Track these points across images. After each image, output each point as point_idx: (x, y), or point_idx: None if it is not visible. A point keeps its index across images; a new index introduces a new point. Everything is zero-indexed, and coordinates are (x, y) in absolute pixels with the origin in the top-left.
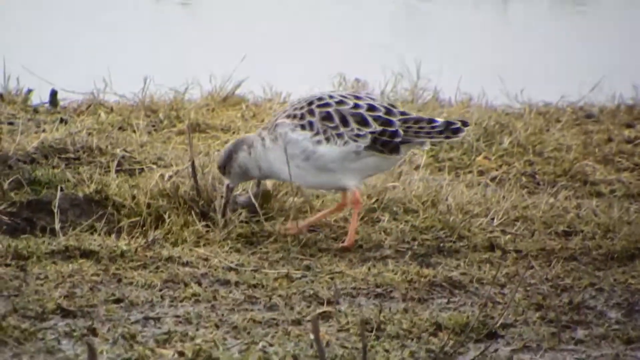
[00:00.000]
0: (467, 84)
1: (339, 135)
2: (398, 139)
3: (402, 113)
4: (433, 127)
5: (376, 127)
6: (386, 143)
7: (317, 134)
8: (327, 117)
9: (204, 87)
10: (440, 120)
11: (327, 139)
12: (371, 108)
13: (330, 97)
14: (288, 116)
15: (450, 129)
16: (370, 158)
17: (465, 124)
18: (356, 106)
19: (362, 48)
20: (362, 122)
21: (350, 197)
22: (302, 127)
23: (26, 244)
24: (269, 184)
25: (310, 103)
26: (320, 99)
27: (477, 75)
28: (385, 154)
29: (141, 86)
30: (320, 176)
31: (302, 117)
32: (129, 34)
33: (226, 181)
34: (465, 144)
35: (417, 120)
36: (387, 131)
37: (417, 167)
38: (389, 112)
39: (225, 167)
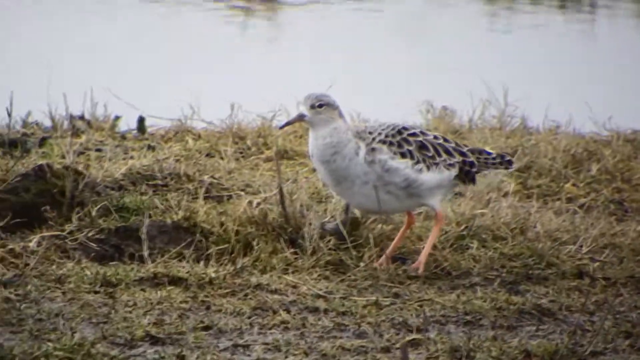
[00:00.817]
0: (554, 111)
1: (436, 164)
2: (474, 169)
3: (458, 145)
4: (493, 159)
5: (458, 157)
6: (467, 173)
7: (418, 162)
8: (423, 147)
9: (291, 113)
10: (492, 152)
11: (428, 167)
12: (445, 140)
13: (407, 127)
14: (383, 142)
15: (505, 161)
16: (451, 186)
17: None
18: (435, 137)
19: (448, 75)
20: (447, 152)
21: (438, 216)
22: (402, 155)
23: (115, 271)
24: (357, 211)
25: (400, 132)
26: (405, 128)
27: (564, 103)
28: (465, 182)
29: (229, 113)
30: (406, 201)
31: (399, 145)
32: (217, 60)
33: (303, 111)
34: (554, 171)
35: (475, 152)
36: (467, 162)
37: (505, 194)
38: (457, 144)
39: (321, 106)
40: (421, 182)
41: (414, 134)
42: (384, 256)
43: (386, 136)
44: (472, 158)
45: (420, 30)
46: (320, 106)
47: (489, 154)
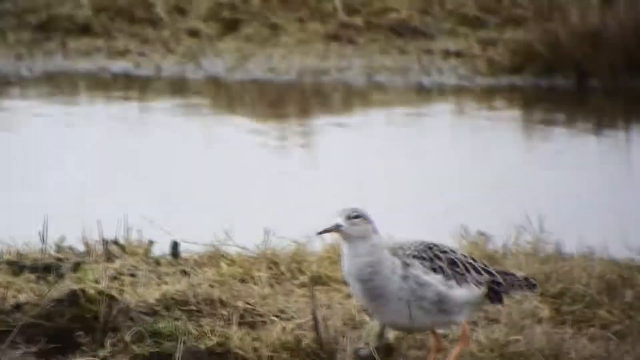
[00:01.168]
0: (589, 236)
1: (466, 281)
2: (502, 289)
3: (485, 265)
4: (519, 280)
5: (486, 276)
6: (495, 292)
7: (449, 278)
8: (454, 263)
9: (325, 239)
10: (517, 273)
11: (458, 283)
12: (473, 260)
13: (436, 244)
14: (415, 257)
15: (530, 284)
16: (479, 304)
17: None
18: (464, 256)
19: (484, 200)
20: (476, 270)
21: (464, 334)
22: (434, 270)
23: None
24: (391, 336)
25: (430, 247)
26: (435, 244)
27: (599, 228)
28: (493, 301)
29: (262, 238)
30: (437, 316)
31: (431, 260)
32: (250, 185)
33: (340, 222)
34: (588, 297)
35: (502, 273)
36: (495, 281)
37: (539, 321)
38: (484, 264)
39: (357, 217)
40: (452, 297)
41: (444, 251)
42: None
43: (417, 251)
44: (499, 278)
45: (454, 153)
46: (356, 217)
47: (515, 275)
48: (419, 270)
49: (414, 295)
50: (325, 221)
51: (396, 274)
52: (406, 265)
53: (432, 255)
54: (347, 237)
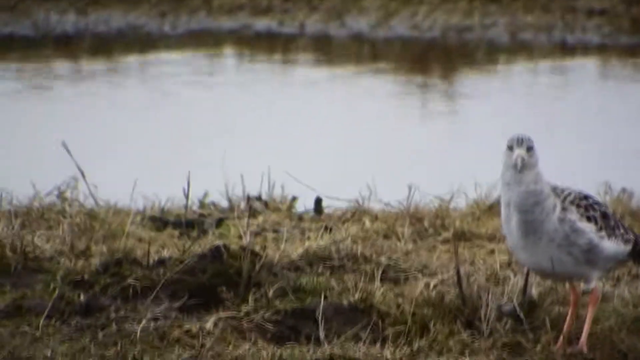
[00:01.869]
0: None
1: (615, 236)
2: None
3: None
4: None
5: (633, 235)
6: (638, 253)
7: (601, 229)
8: (606, 216)
9: (469, 195)
10: None
11: (609, 236)
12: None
13: (590, 196)
14: (572, 203)
15: None
16: (623, 261)
17: None
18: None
19: (627, 155)
20: (624, 228)
21: (594, 295)
22: (588, 219)
23: (291, 353)
24: (534, 292)
25: (586, 198)
26: (589, 196)
27: None
28: (635, 261)
29: (406, 194)
30: (581, 267)
31: (586, 209)
32: (394, 142)
33: (523, 154)
34: None
35: None
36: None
37: None
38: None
39: (531, 149)
40: (602, 248)
41: (598, 203)
42: (561, 338)
43: (574, 198)
44: None
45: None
46: (531, 149)
47: None
48: (575, 215)
49: (566, 240)
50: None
51: (555, 213)
52: (564, 208)
53: (588, 205)
54: (526, 167)
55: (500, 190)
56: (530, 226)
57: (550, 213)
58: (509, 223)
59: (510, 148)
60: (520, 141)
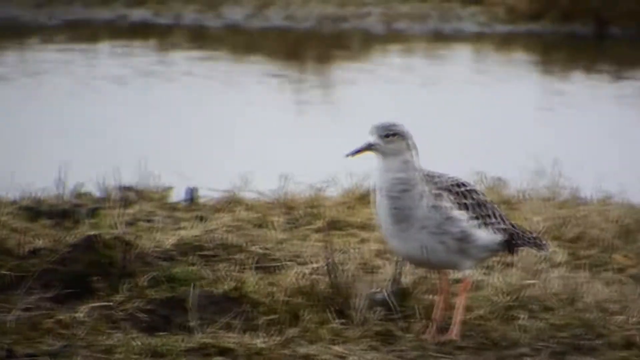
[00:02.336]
0: (606, 181)
1: (488, 224)
2: (518, 242)
3: (505, 216)
4: (533, 238)
5: (507, 224)
6: (510, 242)
7: (475, 218)
8: (481, 204)
9: (342, 184)
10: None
11: (482, 225)
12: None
13: (466, 183)
14: (447, 190)
15: (540, 244)
16: (496, 251)
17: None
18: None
19: (501, 146)
20: (499, 216)
21: (466, 283)
22: (462, 206)
23: (163, 342)
24: (406, 281)
25: (460, 185)
26: (464, 183)
27: (616, 173)
28: (506, 251)
29: (279, 184)
30: (453, 257)
31: (460, 195)
32: (268, 132)
33: (373, 140)
34: (604, 242)
35: (517, 226)
36: (513, 232)
37: (555, 265)
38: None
39: (391, 135)
40: (475, 238)
41: (474, 190)
42: (431, 326)
43: (449, 185)
44: (517, 230)
45: (473, 102)
46: (388, 136)
47: (528, 232)
48: (448, 203)
49: (439, 228)
50: (341, 166)
51: (425, 200)
52: (437, 195)
53: (462, 192)
54: (382, 153)
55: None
56: (401, 213)
57: (420, 200)
58: (380, 208)
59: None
60: (375, 128)
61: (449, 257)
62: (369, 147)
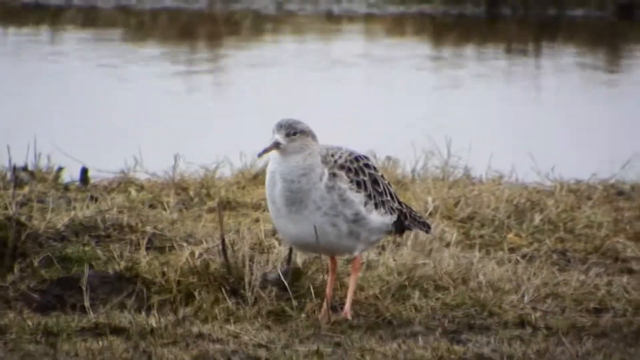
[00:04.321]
0: (498, 161)
1: (382, 204)
2: (408, 223)
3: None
4: (420, 218)
5: (399, 204)
6: (401, 223)
7: (370, 198)
8: (376, 182)
9: (234, 164)
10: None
11: (376, 206)
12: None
13: (362, 157)
14: (342, 167)
15: (427, 225)
16: (384, 234)
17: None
18: (382, 176)
19: (392, 126)
20: (392, 195)
21: (357, 262)
22: (358, 185)
23: (56, 321)
24: (299, 261)
25: (357, 159)
26: (361, 157)
27: (508, 153)
28: (396, 232)
29: (172, 164)
30: (344, 239)
31: (356, 172)
32: (160, 112)
33: (279, 139)
34: (497, 222)
35: (407, 206)
36: (404, 212)
37: (447, 244)
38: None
39: (296, 134)
40: (368, 220)
41: (368, 165)
42: (323, 306)
43: (345, 161)
44: (407, 210)
45: (365, 81)
46: (295, 134)
47: (417, 213)
48: (345, 184)
49: (333, 210)
50: (234, 147)
51: (323, 182)
52: (334, 175)
53: (358, 167)
54: (286, 152)
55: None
56: (295, 195)
57: (317, 182)
58: (273, 190)
59: (273, 132)
60: (279, 127)
61: (340, 240)
62: (277, 146)
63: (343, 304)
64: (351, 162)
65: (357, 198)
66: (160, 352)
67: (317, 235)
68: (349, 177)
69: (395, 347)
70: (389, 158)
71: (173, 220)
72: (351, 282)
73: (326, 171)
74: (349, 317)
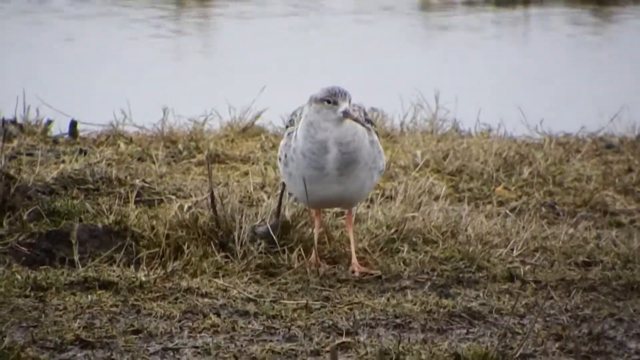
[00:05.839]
0: (486, 114)
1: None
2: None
3: None
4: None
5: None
6: None
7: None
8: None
9: (223, 118)
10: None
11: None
12: None
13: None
14: (369, 122)
15: None
16: None
17: None
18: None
19: (381, 78)
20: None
21: (351, 216)
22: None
23: (45, 275)
24: (288, 214)
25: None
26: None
27: (496, 106)
28: None
29: (160, 117)
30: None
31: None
32: (148, 65)
33: (349, 109)
34: (485, 175)
35: None
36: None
37: (436, 198)
38: None
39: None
40: (382, 169)
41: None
42: (313, 258)
43: (367, 115)
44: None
45: (353, 37)
46: (350, 100)
47: None
48: (376, 137)
49: (375, 162)
50: (222, 100)
51: (366, 138)
52: (369, 130)
53: (369, 120)
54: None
55: (301, 136)
56: (350, 156)
57: (364, 139)
58: (323, 157)
59: (333, 102)
60: (345, 95)
61: (369, 191)
62: (350, 116)
63: (332, 257)
64: (366, 114)
65: (382, 150)
66: (149, 306)
67: (362, 190)
68: (374, 130)
69: (384, 301)
70: (374, 109)
71: (162, 174)
72: (351, 236)
73: (364, 128)
74: (357, 270)
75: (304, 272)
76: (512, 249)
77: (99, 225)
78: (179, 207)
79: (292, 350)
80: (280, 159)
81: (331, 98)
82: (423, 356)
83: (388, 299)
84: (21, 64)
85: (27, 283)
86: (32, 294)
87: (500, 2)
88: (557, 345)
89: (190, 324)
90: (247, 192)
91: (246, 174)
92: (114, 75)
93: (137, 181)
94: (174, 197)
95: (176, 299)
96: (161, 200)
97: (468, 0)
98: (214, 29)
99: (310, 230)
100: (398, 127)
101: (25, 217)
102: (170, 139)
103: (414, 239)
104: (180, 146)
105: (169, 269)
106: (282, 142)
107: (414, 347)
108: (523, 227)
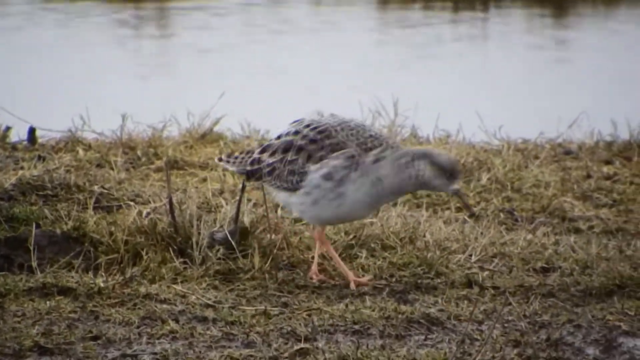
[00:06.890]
0: (445, 120)
1: None
2: None
3: None
4: None
5: None
6: None
7: None
8: None
9: (182, 124)
10: None
11: None
12: None
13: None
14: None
15: None
16: None
17: None
18: None
19: (340, 85)
20: None
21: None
22: None
23: (3, 281)
24: (246, 220)
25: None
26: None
27: (455, 112)
28: None
29: (119, 123)
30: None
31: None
32: (107, 71)
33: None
34: None
35: None
36: None
37: (395, 204)
38: None
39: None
40: None
41: None
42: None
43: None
44: None
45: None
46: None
47: None
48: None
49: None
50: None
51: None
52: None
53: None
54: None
55: (394, 173)
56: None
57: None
58: (359, 192)
59: (449, 175)
60: (462, 174)
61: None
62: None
63: (290, 263)
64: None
65: None
66: (107, 312)
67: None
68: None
69: (343, 307)
70: (333, 116)
71: (120, 180)
72: (318, 246)
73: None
74: (315, 278)
75: (263, 278)
76: (471, 255)
77: (58, 231)
78: (137, 213)
79: (251, 356)
80: (330, 176)
81: (451, 173)
82: None
83: (346, 305)
84: None
85: None
86: None
87: (459, 7)
88: (515, 351)
89: (148, 330)
90: (206, 198)
91: (205, 180)
92: (73, 81)
93: (95, 187)
94: (132, 203)
95: (135, 305)
96: (120, 207)
97: (425, 5)
98: (174, 35)
99: (268, 235)
100: None
101: None
102: (129, 145)
103: (372, 245)
104: (139, 152)
105: (128, 275)
106: (335, 162)
107: (373, 354)
108: (481, 233)
